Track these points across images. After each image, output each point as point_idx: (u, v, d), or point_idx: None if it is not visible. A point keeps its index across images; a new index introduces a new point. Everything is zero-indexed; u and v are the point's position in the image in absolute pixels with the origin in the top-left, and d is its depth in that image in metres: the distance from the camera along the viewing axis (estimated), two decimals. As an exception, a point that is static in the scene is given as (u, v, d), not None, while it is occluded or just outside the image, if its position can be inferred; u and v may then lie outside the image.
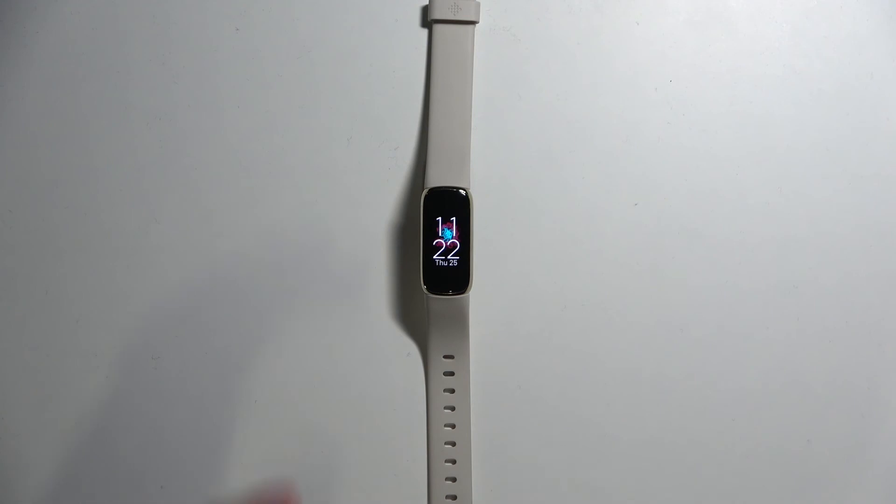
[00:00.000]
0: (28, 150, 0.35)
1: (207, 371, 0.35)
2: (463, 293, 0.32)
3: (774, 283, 0.35)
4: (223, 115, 0.35)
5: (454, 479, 0.35)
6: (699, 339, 0.35)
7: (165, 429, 0.35)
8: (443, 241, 0.32)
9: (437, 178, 0.32)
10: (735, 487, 0.35)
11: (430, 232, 0.32)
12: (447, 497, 0.35)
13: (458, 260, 0.32)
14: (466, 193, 0.32)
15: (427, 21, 0.34)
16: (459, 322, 0.34)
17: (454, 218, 0.32)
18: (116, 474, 0.35)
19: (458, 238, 0.32)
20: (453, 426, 0.35)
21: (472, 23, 0.34)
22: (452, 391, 0.35)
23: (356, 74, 0.35)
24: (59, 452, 0.35)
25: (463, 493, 0.35)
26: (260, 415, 0.35)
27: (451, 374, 0.35)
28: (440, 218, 0.32)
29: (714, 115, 0.35)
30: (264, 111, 0.35)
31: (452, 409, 0.35)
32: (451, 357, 0.35)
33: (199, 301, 0.35)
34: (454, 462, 0.35)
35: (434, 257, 0.32)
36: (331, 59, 0.35)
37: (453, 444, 0.35)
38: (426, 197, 0.32)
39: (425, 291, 0.32)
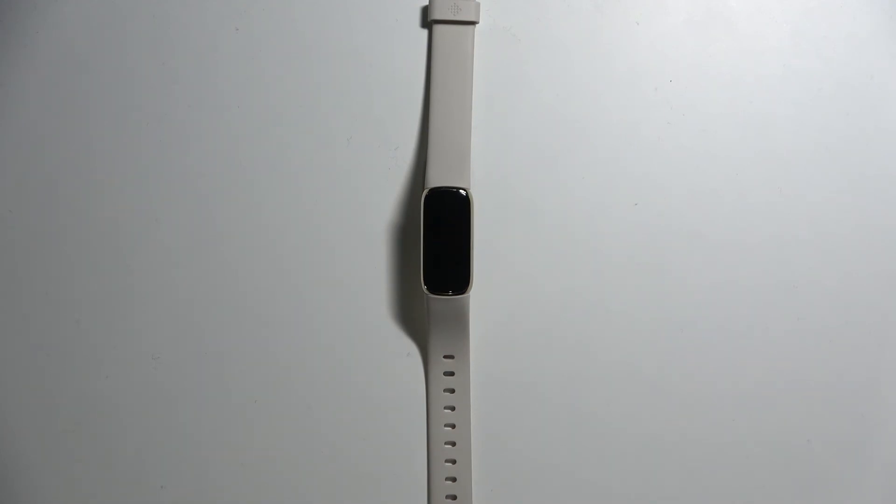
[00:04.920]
0: (28, 150, 0.35)
1: (207, 371, 0.35)
2: (463, 293, 0.32)
3: (774, 283, 0.35)
4: (223, 115, 0.35)
5: (454, 479, 0.35)
6: (699, 339, 0.35)
7: (165, 429, 0.35)
8: (443, 242, 0.32)
9: (437, 178, 0.32)
10: (735, 487, 0.35)
11: (431, 232, 0.32)
12: (447, 497, 0.35)
13: (458, 260, 0.32)
14: (467, 193, 0.32)
15: (427, 21, 0.34)
16: (459, 322, 0.34)
17: (454, 218, 0.32)
18: (116, 474, 0.35)
19: (459, 238, 0.32)
20: (453, 426, 0.35)
21: (472, 23, 0.34)
22: (452, 391, 0.35)
23: (356, 74, 0.35)
24: (59, 452, 0.35)
25: (463, 493, 0.35)
26: (260, 415, 0.35)
27: (451, 374, 0.35)
28: (440, 218, 0.32)
29: (714, 115, 0.35)
30: (264, 111, 0.35)
31: (452, 409, 0.35)
32: (451, 357, 0.35)
33: (199, 301, 0.35)
34: (454, 462, 0.35)
35: (434, 257, 0.32)
36: (331, 59, 0.35)
37: (453, 444, 0.35)
38: (426, 197, 0.32)
39: (425, 291, 0.32)
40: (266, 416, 0.35)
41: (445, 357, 0.35)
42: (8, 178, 0.35)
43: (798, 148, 0.35)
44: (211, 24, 0.35)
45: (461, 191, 0.32)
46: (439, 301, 0.33)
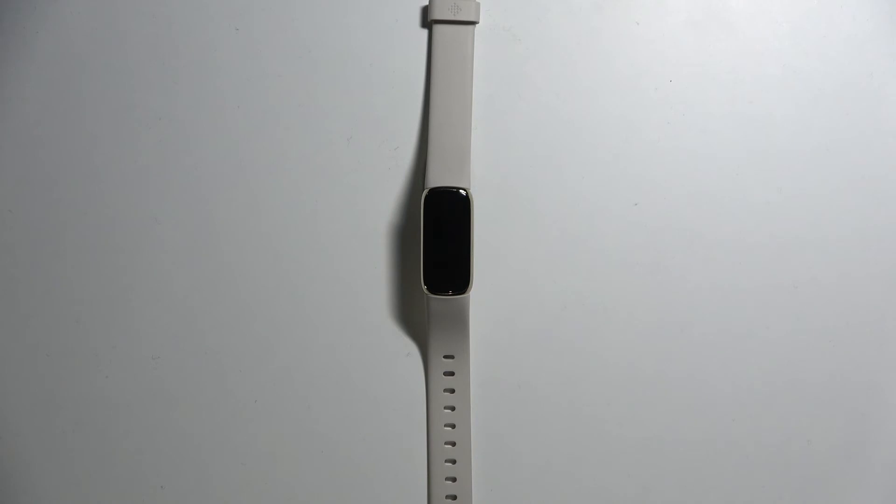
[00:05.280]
0: (28, 150, 0.35)
1: (207, 371, 0.35)
2: (463, 293, 0.32)
3: (774, 283, 0.35)
4: (223, 115, 0.35)
5: (454, 479, 0.35)
6: (699, 339, 0.35)
7: (165, 429, 0.35)
8: (443, 242, 0.32)
9: (438, 178, 0.32)
10: (735, 487, 0.35)
11: (431, 232, 0.32)
12: (447, 497, 0.35)
13: (458, 260, 0.32)
14: (467, 193, 0.32)
15: (427, 21, 0.34)
16: (459, 322, 0.34)
17: (454, 218, 0.32)
18: (116, 474, 0.35)
19: (459, 238, 0.32)
20: (453, 426, 0.35)
21: (472, 23, 0.34)
22: (452, 391, 0.35)
23: (356, 74, 0.35)
24: (59, 452, 0.35)
25: (463, 493, 0.35)
26: (260, 415, 0.35)
27: (451, 374, 0.35)
28: (440, 218, 0.32)
29: (714, 115, 0.35)
30: (264, 111, 0.35)
31: (452, 409, 0.35)
32: (451, 357, 0.35)
33: (199, 301, 0.35)
34: (454, 462, 0.35)
35: (434, 257, 0.32)
36: (331, 59, 0.35)
37: (453, 444, 0.35)
38: (426, 197, 0.32)
39: (425, 291, 0.32)
40: (266, 416, 0.35)
41: (445, 357, 0.35)
42: (8, 178, 0.35)
43: (798, 148, 0.35)
44: (211, 24, 0.35)
45: (461, 191, 0.32)
46: (439, 301, 0.33)
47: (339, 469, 0.35)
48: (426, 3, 0.34)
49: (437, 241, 0.32)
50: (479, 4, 0.34)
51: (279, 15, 0.35)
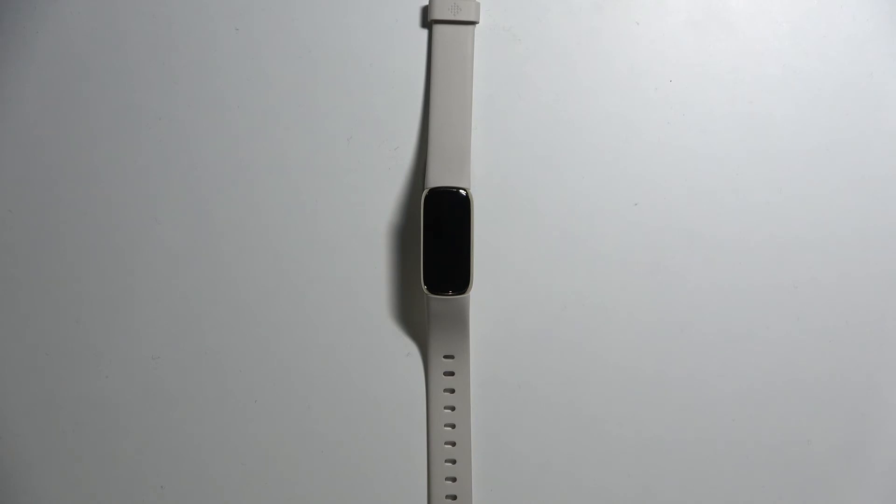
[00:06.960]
0: (28, 150, 0.35)
1: (207, 371, 0.35)
2: (463, 293, 0.32)
3: (774, 283, 0.35)
4: (223, 115, 0.35)
5: (454, 479, 0.35)
6: (699, 339, 0.35)
7: (165, 429, 0.35)
8: (443, 242, 0.32)
9: (438, 178, 0.32)
10: (735, 487, 0.35)
11: (431, 232, 0.32)
12: (447, 497, 0.35)
13: (458, 260, 0.32)
14: (467, 193, 0.32)
15: (427, 21, 0.34)
16: (459, 322, 0.34)
17: (454, 218, 0.32)
18: (116, 474, 0.35)
19: (459, 238, 0.32)
20: (453, 426, 0.35)
21: (472, 23, 0.34)
22: (452, 391, 0.35)
23: (356, 74, 0.35)
24: (59, 452, 0.35)
25: (463, 493, 0.35)
26: (260, 415, 0.35)
27: (451, 374, 0.35)
28: (440, 218, 0.32)
29: (714, 115, 0.35)
30: (264, 111, 0.35)
31: (452, 409, 0.35)
32: (451, 357, 0.35)
33: (199, 301, 0.35)
34: (454, 462, 0.35)
35: (434, 257, 0.32)
36: (331, 59, 0.35)
37: (453, 444, 0.35)
38: (426, 197, 0.32)
39: (425, 291, 0.32)
40: (266, 416, 0.35)
41: (445, 357, 0.35)
42: (8, 178, 0.35)
43: (798, 148, 0.35)
44: (211, 24, 0.35)
45: (461, 191, 0.32)
46: (439, 301, 0.33)
47: (339, 469, 0.35)
48: (426, 3, 0.34)
49: (437, 241, 0.32)
50: (479, 4, 0.34)
51: (279, 15, 0.35)
